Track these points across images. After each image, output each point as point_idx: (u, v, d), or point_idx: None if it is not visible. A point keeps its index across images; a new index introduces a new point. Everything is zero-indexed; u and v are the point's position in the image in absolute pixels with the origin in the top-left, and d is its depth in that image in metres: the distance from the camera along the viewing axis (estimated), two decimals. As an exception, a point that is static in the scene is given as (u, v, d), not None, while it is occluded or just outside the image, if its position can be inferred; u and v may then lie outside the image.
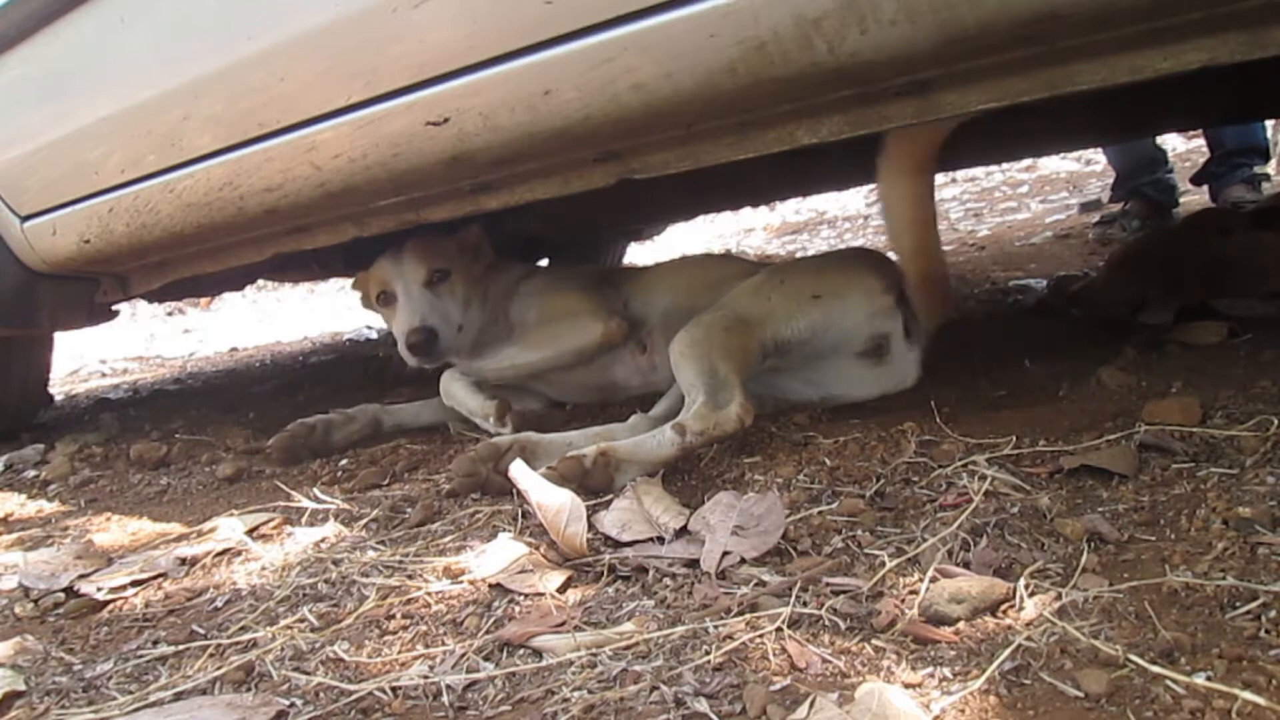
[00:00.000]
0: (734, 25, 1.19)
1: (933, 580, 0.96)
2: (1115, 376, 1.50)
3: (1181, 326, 1.73)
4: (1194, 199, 3.61)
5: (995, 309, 2.52)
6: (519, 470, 1.29)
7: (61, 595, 1.33)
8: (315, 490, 1.64)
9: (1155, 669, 0.76)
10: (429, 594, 1.14)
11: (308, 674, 0.98)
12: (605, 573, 1.12)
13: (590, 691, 0.86)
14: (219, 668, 1.02)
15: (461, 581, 1.16)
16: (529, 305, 2.07)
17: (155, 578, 1.36)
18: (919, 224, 1.65)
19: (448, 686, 0.91)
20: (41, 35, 1.91)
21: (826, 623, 0.92)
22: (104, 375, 4.82)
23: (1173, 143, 5.30)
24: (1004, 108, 1.22)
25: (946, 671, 0.81)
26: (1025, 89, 1.19)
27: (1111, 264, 2.33)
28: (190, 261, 2.26)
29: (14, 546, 1.66)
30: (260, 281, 4.47)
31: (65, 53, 1.91)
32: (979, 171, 5.94)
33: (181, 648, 1.10)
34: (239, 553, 1.42)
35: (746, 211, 6.85)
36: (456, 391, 1.88)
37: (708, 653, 0.89)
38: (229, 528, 1.50)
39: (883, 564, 1.02)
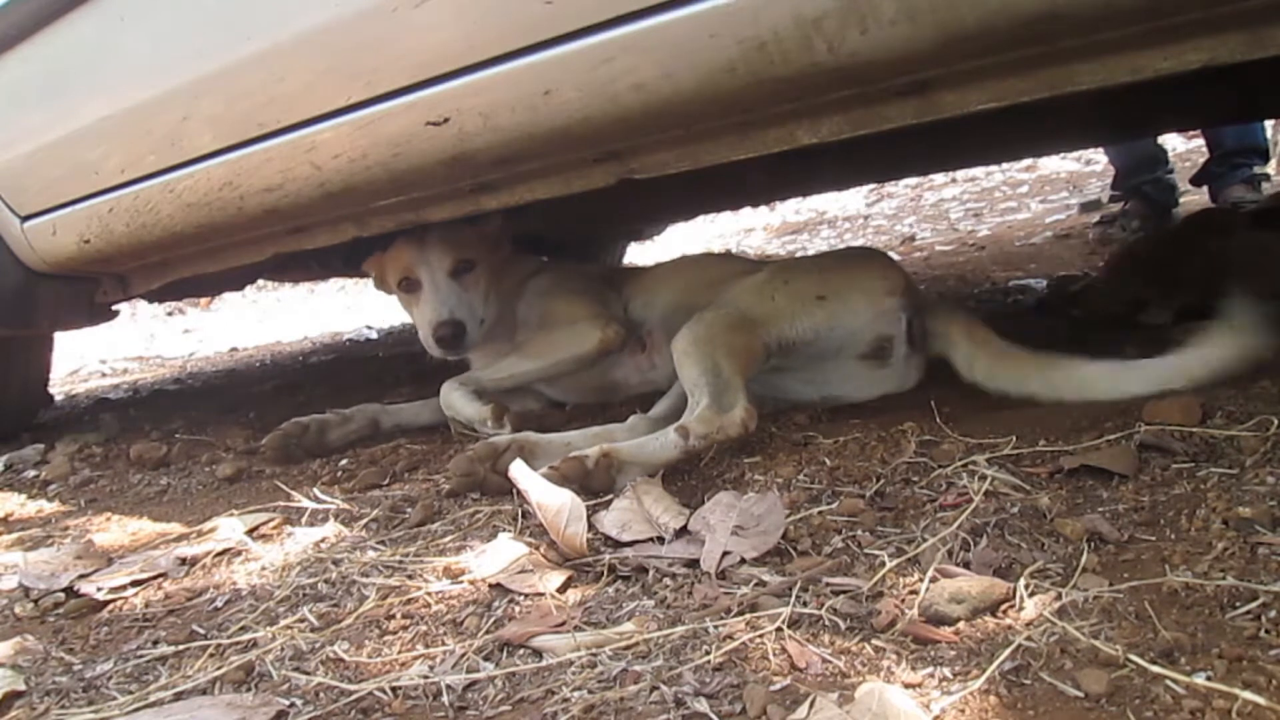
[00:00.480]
0: (734, 25, 1.19)
1: (933, 580, 0.96)
2: (1115, 376, 1.50)
3: (1181, 326, 1.73)
4: (1194, 199, 3.61)
5: (995, 309, 2.52)
6: (519, 470, 1.29)
7: (61, 595, 1.33)
8: (315, 490, 1.64)
9: (1155, 669, 0.76)
10: (429, 594, 1.14)
11: (308, 674, 0.98)
12: (605, 573, 1.12)
13: (590, 691, 0.86)
14: (219, 668, 1.02)
15: (461, 581, 1.16)
16: (533, 305, 2.07)
17: (155, 578, 1.36)
18: None
19: (448, 686, 0.91)
20: (41, 35, 1.91)
21: (826, 623, 0.92)
22: (104, 375, 4.82)
23: (1173, 143, 5.29)
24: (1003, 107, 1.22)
25: (946, 671, 0.81)
26: (1025, 89, 1.19)
27: (1111, 264, 2.33)
28: (190, 261, 2.26)
29: (14, 546, 1.66)
30: (260, 281, 4.46)
31: (65, 53, 1.91)
32: (979, 171, 5.94)
33: (181, 648, 1.10)
34: (239, 553, 1.42)
35: (746, 211, 6.85)
36: (455, 401, 1.88)
37: (708, 653, 0.89)
38: (229, 528, 1.50)
39: (883, 564, 1.02)
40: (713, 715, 0.79)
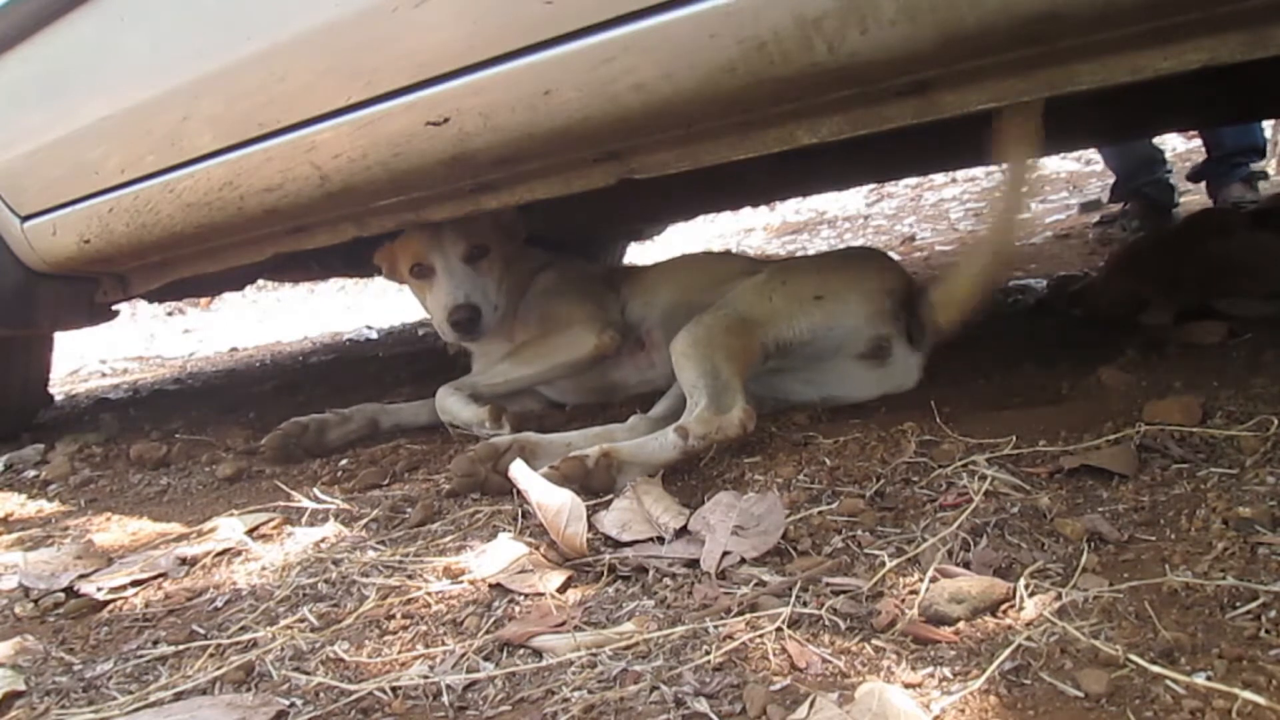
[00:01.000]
0: (734, 25, 1.19)
1: (933, 580, 0.95)
2: (1115, 376, 1.50)
3: (1181, 326, 1.73)
4: (1194, 199, 3.61)
5: (995, 309, 2.52)
6: (519, 470, 1.29)
7: (61, 595, 1.33)
8: (315, 490, 1.64)
9: (1155, 669, 0.76)
10: (429, 594, 1.14)
11: (308, 674, 0.98)
12: (605, 573, 1.12)
13: (590, 691, 0.86)
14: (219, 668, 1.02)
15: (461, 581, 1.16)
16: (534, 303, 2.08)
17: (155, 578, 1.36)
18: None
19: (448, 686, 0.91)
20: (41, 35, 1.91)
21: (826, 623, 0.92)
22: (104, 375, 4.82)
23: (1173, 142, 5.30)
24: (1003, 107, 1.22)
25: (946, 671, 0.81)
26: (1025, 89, 1.19)
27: (1111, 264, 2.33)
28: (190, 261, 2.26)
29: (14, 546, 1.66)
30: (260, 281, 4.47)
31: (65, 53, 1.91)
32: (979, 171, 5.93)
33: (181, 648, 1.10)
34: (239, 553, 1.42)
35: (746, 211, 6.84)
36: (451, 406, 1.88)
37: (708, 653, 0.89)
38: (229, 528, 1.50)
39: (883, 564, 1.02)
40: (713, 715, 0.79)
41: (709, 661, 0.87)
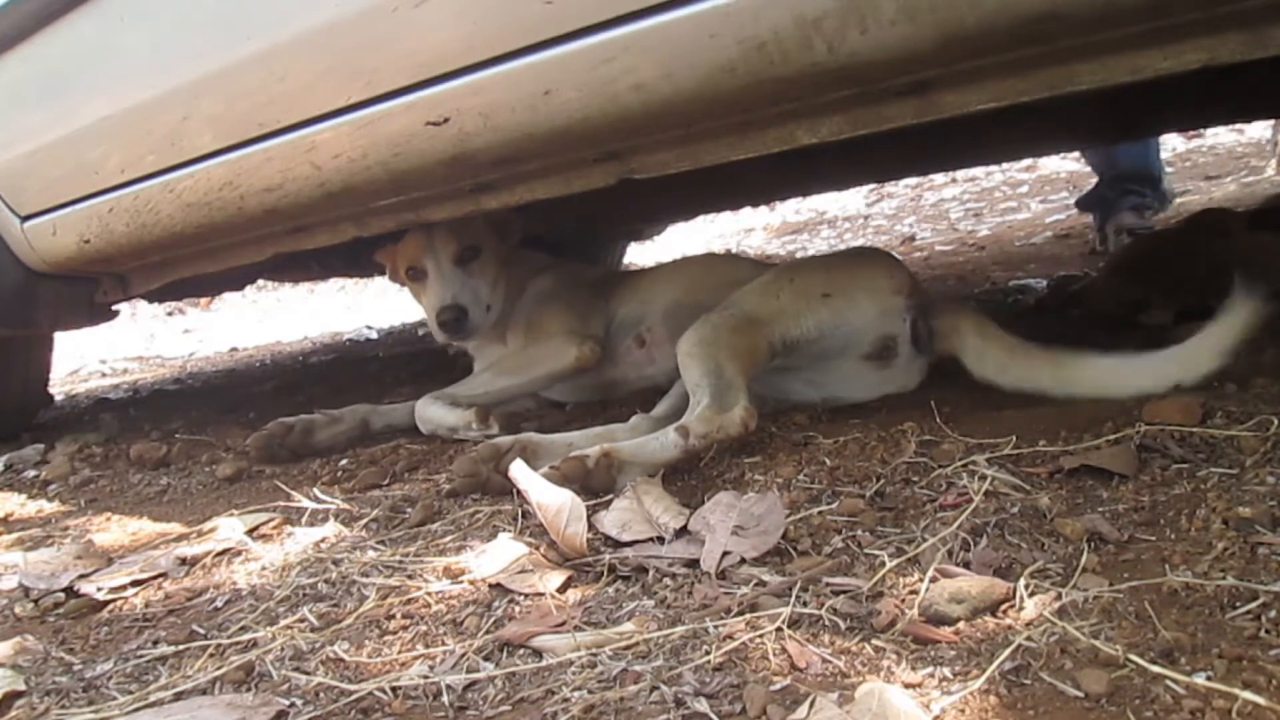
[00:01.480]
0: (734, 25, 1.19)
1: (933, 580, 0.95)
2: (1115, 376, 1.50)
3: (1181, 326, 1.73)
4: (1193, 199, 3.60)
5: (995, 309, 2.52)
6: (519, 470, 1.29)
7: (61, 595, 1.33)
8: (315, 490, 1.64)
9: (1155, 669, 0.76)
10: (429, 594, 1.14)
11: (308, 674, 0.98)
12: (605, 573, 1.12)
13: (590, 691, 0.86)
14: (219, 668, 1.02)
15: (461, 581, 1.16)
16: (524, 308, 2.09)
17: (155, 578, 1.36)
18: None
19: (448, 686, 0.91)
20: (41, 35, 1.91)
21: (826, 623, 0.92)
22: (104, 375, 4.82)
23: (1173, 143, 5.30)
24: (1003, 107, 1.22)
25: (946, 671, 0.81)
26: (1025, 89, 1.19)
27: (1112, 264, 2.33)
28: (190, 261, 2.26)
29: (14, 546, 1.66)
30: (260, 281, 4.46)
31: (65, 53, 1.91)
32: (979, 171, 5.94)
33: (181, 648, 1.10)
34: (239, 553, 1.42)
35: (746, 211, 6.84)
36: (434, 415, 1.89)
37: (708, 653, 0.89)
38: (229, 528, 1.50)
39: (883, 564, 1.02)
40: (713, 715, 0.79)
41: (709, 661, 0.87)
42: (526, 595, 1.09)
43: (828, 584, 1.00)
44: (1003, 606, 0.90)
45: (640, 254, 5.30)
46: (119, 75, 1.83)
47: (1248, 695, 0.70)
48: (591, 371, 1.99)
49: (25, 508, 1.99)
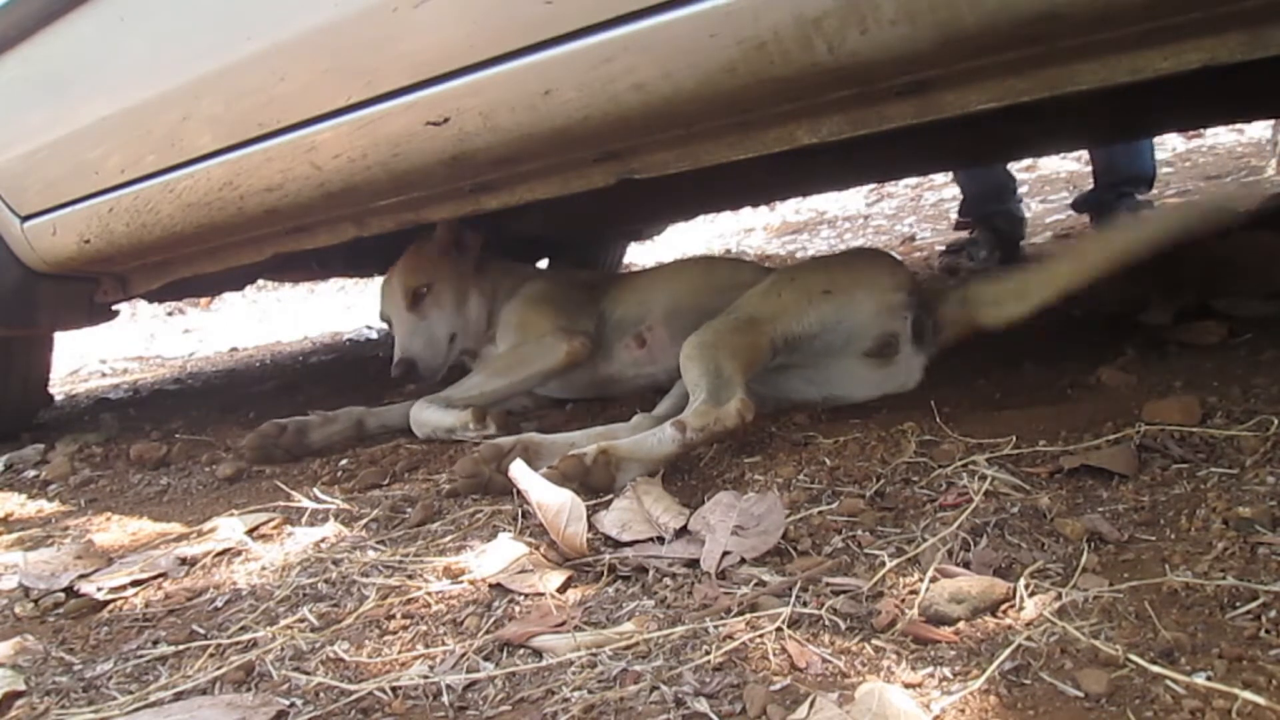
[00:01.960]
0: (734, 25, 1.19)
1: (933, 580, 0.96)
2: (1115, 376, 1.50)
3: (1181, 326, 1.73)
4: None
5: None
6: (519, 470, 1.29)
7: (61, 595, 1.33)
8: (315, 490, 1.64)
9: (1155, 669, 0.76)
10: (429, 594, 1.14)
11: (308, 674, 0.98)
12: (605, 573, 1.12)
13: (590, 691, 0.86)
14: (219, 668, 1.02)
15: (461, 581, 1.16)
16: (515, 309, 2.12)
17: (155, 578, 1.36)
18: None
19: (448, 686, 0.91)
20: (41, 35, 1.91)
21: (826, 623, 0.92)
22: (104, 375, 4.82)
23: (1173, 143, 5.30)
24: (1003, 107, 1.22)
25: (946, 671, 0.81)
26: (1025, 89, 1.20)
27: (1112, 264, 2.32)
28: (190, 261, 2.26)
29: (14, 546, 1.66)
30: (260, 281, 4.47)
31: (65, 53, 1.91)
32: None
33: (181, 648, 1.10)
34: (239, 553, 1.42)
35: (746, 211, 6.84)
36: (429, 418, 1.90)
37: (708, 653, 0.89)
38: (229, 528, 1.50)
39: (883, 564, 1.02)
40: (713, 715, 0.79)
41: (709, 661, 0.87)
42: (526, 595, 1.09)
43: (828, 584, 1.00)
44: (1003, 606, 0.90)
45: (640, 254, 5.30)
46: (119, 75, 1.83)
47: (1248, 695, 0.70)
48: (586, 368, 2.01)
49: (25, 508, 1.99)
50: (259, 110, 1.65)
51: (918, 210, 5.88)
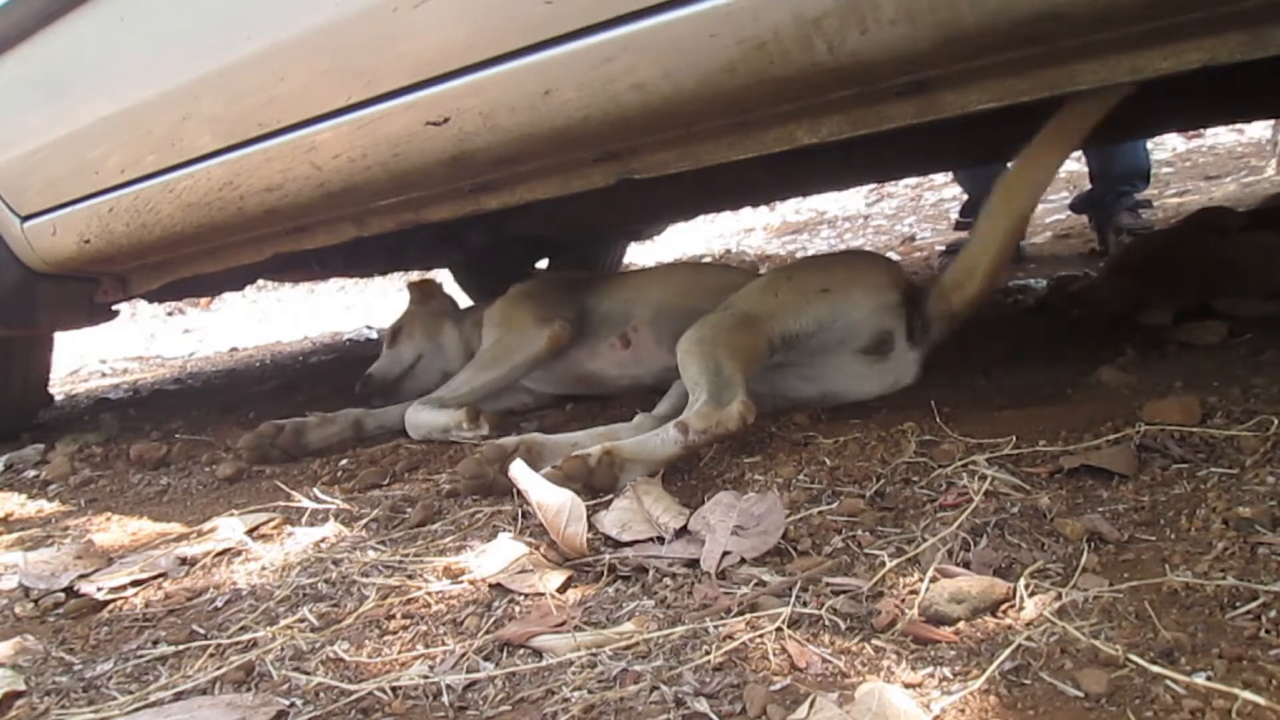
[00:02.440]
0: (734, 25, 1.19)
1: (933, 580, 0.95)
2: (1115, 376, 1.50)
3: (1181, 326, 1.73)
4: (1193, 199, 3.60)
5: (995, 309, 2.52)
6: (519, 470, 1.29)
7: (61, 595, 1.33)
8: (315, 490, 1.64)
9: (1155, 669, 0.76)
10: (429, 594, 1.14)
11: (308, 674, 0.98)
12: (605, 573, 1.12)
13: (590, 691, 0.86)
14: (219, 668, 1.02)
15: (461, 581, 1.16)
16: (499, 308, 2.16)
17: (155, 578, 1.36)
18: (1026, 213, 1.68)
19: (448, 686, 0.91)
20: (41, 35, 1.91)
21: (826, 623, 0.92)
22: (104, 375, 4.82)
23: (1173, 143, 5.30)
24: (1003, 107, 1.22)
25: (946, 671, 0.81)
26: (1025, 89, 1.20)
27: (1112, 264, 2.33)
28: (190, 261, 2.26)
29: (14, 546, 1.66)
30: (260, 281, 4.46)
31: (65, 53, 1.91)
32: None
33: (181, 648, 1.10)
34: (239, 553, 1.42)
35: (746, 211, 6.85)
36: (424, 419, 1.92)
37: (708, 653, 0.89)
38: (229, 528, 1.50)
39: (883, 564, 1.02)
40: (713, 715, 0.79)
41: (709, 661, 0.87)
42: (526, 595, 1.09)
43: (828, 584, 1.00)
44: (1003, 606, 0.90)
45: (640, 254, 5.31)
46: (119, 75, 1.83)
47: (1248, 695, 0.70)
48: (570, 359, 2.04)
49: (25, 508, 1.99)
50: (259, 110, 1.65)
51: (918, 210, 5.88)
